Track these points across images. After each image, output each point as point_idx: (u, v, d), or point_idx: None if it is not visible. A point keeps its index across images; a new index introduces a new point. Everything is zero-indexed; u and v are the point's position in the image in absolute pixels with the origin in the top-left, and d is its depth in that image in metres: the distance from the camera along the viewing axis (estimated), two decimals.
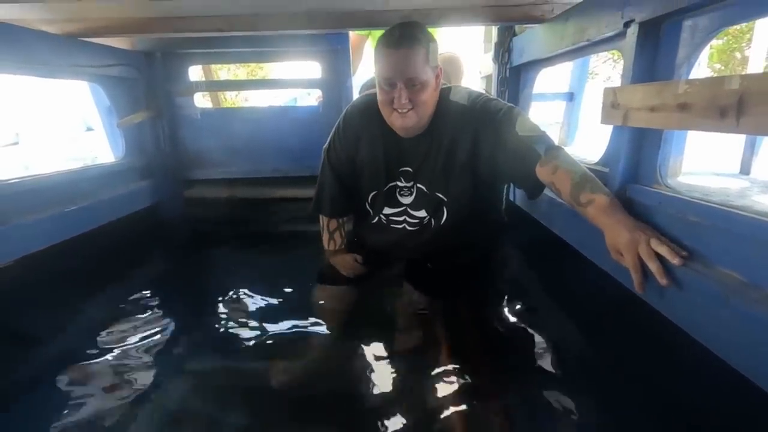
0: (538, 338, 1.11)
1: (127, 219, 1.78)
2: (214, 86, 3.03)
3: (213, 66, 3.30)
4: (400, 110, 1.09)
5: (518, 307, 1.31)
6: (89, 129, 4.69)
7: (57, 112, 4.88)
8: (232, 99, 5.99)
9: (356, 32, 2.29)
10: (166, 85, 2.04)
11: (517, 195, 1.71)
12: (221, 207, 2.15)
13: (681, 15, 0.85)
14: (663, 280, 0.75)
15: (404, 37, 1.06)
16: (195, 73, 2.28)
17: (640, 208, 0.93)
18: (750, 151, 1.32)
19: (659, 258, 0.76)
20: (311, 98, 3.74)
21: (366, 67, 2.50)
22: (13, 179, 1.33)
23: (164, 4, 1.40)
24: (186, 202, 2.14)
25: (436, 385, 0.94)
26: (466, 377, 0.95)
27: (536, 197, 1.20)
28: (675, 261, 0.74)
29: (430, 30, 1.13)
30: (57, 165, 3.79)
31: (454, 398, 0.90)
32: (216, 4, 1.43)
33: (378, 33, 1.22)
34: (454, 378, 0.95)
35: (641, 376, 0.91)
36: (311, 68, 2.13)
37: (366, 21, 1.65)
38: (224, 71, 7.20)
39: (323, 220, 1.40)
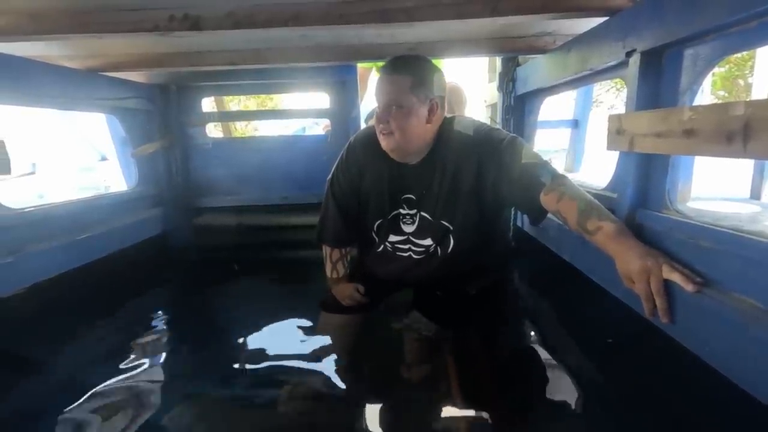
0: (550, 368, 1.08)
1: (137, 246, 1.80)
2: (225, 117, 3.11)
3: (225, 98, 3.40)
4: (381, 131, 1.13)
5: (530, 336, 1.28)
6: (103, 159, 4.80)
7: (72, 142, 5.00)
8: (242, 129, 6.12)
9: (361, 65, 2.36)
10: (179, 116, 2.10)
11: (524, 220, 1.70)
12: (229, 234, 2.16)
13: (682, 44, 0.87)
14: (664, 319, 0.77)
15: (395, 65, 1.13)
16: (208, 104, 2.35)
17: (649, 234, 0.92)
18: (759, 175, 1.31)
19: (671, 286, 0.75)
20: (319, 128, 3.83)
21: (371, 97, 2.56)
22: (27, 208, 1.35)
23: (180, 40, 1.46)
24: (195, 230, 2.16)
25: (445, 418, 0.91)
26: (476, 408, 0.92)
27: (539, 223, 1.19)
28: (689, 288, 0.72)
29: (435, 61, 1.17)
30: (70, 194, 3.87)
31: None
32: (229, 39, 1.49)
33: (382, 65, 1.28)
34: (463, 409, 0.92)
35: (658, 406, 0.87)
36: (320, 99, 2.19)
37: (373, 53, 1.71)
38: (234, 103, 7.41)
39: (326, 249, 1.40)
